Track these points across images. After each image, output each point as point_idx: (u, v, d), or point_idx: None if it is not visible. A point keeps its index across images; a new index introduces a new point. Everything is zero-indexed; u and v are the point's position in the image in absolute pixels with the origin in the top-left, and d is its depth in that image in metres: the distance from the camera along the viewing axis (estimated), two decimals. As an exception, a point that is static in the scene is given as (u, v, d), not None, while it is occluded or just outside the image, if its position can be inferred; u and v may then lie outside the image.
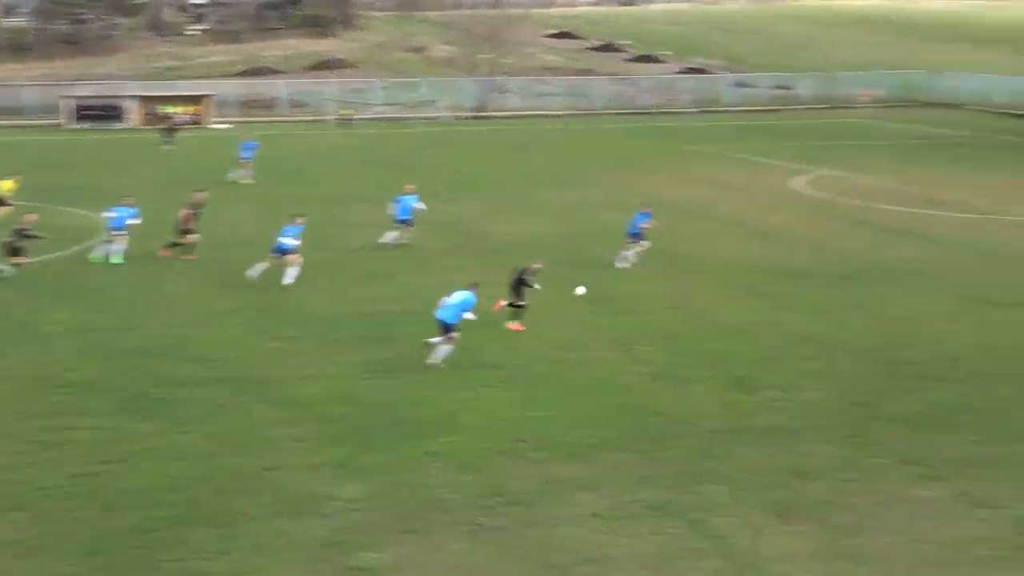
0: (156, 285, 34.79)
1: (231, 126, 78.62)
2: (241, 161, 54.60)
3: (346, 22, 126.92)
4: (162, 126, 71.41)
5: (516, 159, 64.53)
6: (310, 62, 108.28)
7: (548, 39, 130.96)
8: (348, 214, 45.90)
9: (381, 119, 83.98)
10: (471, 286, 27.72)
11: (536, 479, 20.88)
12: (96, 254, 37.76)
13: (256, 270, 34.68)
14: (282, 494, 20.06)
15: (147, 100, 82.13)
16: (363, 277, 35.80)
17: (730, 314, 32.19)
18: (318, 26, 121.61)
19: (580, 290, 31.86)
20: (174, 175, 55.74)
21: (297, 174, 55.86)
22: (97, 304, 32.64)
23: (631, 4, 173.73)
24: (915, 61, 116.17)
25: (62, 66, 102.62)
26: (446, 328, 27.01)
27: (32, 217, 36.30)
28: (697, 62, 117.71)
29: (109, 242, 37.49)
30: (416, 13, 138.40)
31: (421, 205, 40.52)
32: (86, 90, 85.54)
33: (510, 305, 30.13)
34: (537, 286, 30.36)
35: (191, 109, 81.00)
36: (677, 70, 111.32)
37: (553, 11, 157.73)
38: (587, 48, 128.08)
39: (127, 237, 37.38)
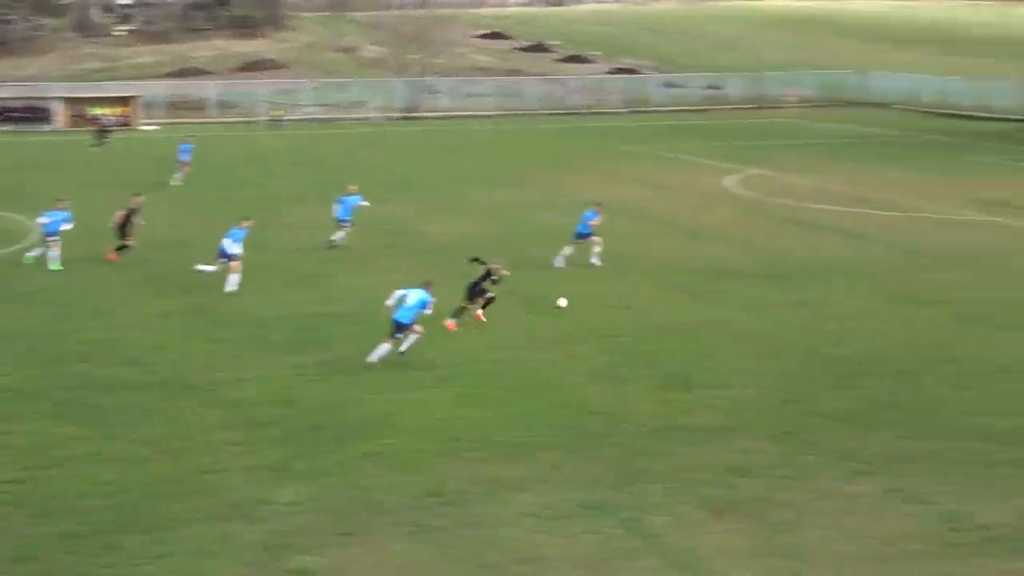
0: (90, 288, 34.49)
1: (159, 128, 77.97)
2: (179, 164, 54.27)
3: (275, 22, 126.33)
4: (93, 128, 70.71)
5: (448, 159, 64.55)
6: (239, 63, 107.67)
7: (478, 39, 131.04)
8: (281, 216, 45.71)
9: (312, 120, 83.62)
10: (425, 285, 27.81)
11: (474, 479, 20.91)
12: (30, 255, 37.29)
13: (205, 268, 34.36)
14: (219, 498, 19.95)
15: (74, 102, 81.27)
16: (299, 279, 35.67)
17: (665, 313, 32.40)
18: (247, 27, 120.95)
19: (562, 302, 32.14)
20: (104, 177, 55.24)
21: (229, 176, 55.55)
22: (29, 308, 32.30)
23: (560, 4, 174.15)
24: (842, 61, 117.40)
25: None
26: (400, 328, 27.15)
27: None
28: (626, 62, 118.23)
29: (45, 247, 37.03)
30: (345, 14, 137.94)
31: (365, 204, 40.48)
32: (10, 91, 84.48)
33: (454, 315, 30.28)
34: (495, 286, 30.71)
35: (119, 111, 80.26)
36: (607, 70, 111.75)
37: (483, 11, 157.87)
38: (517, 48, 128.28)
39: (60, 242, 36.96)
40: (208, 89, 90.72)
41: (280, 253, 38.87)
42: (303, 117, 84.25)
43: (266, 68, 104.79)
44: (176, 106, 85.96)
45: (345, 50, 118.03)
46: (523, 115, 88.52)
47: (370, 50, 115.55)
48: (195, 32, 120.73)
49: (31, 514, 19.27)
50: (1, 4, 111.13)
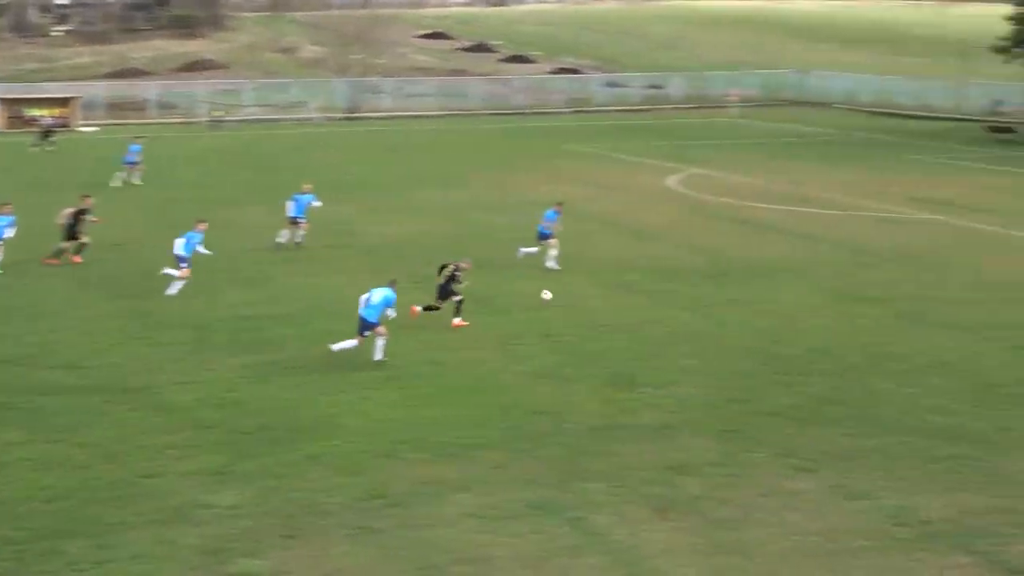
0: (30, 292, 34.05)
1: (98, 129, 77.26)
2: (127, 165, 53.82)
3: (215, 23, 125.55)
4: (37, 129, 69.94)
5: (392, 160, 64.37)
6: (179, 63, 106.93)
7: (420, 39, 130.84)
8: (224, 216, 45.30)
9: (252, 120, 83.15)
10: (390, 283, 27.78)
11: (417, 480, 20.82)
12: None
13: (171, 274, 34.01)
14: (160, 502, 19.73)
15: (11, 103, 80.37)
16: (242, 280, 35.38)
17: (608, 312, 32.43)
18: (186, 27, 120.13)
19: (546, 295, 32.23)
20: (46, 179, 54.64)
21: (170, 177, 55.04)
22: (-37, 312, 31.86)
23: (502, 4, 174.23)
24: (783, 61, 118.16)
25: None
26: (366, 326, 27.09)
27: None
28: (568, 62, 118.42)
29: None
30: (285, 14, 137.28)
31: (317, 203, 40.25)
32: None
33: (425, 309, 30.35)
34: (464, 283, 30.64)
35: (57, 112, 79.43)
36: (549, 70, 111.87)
37: (425, 11, 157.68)
38: (459, 48, 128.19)
39: (3, 247, 36.43)
40: (148, 90, 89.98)
41: (223, 254, 38.48)
42: (244, 118, 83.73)
43: (206, 68, 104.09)
44: (116, 107, 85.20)
45: (285, 50, 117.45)
46: (466, 115, 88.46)
47: (311, 50, 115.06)
48: (134, 32, 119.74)
49: (-32, 520, 19.01)
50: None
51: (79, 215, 37.59)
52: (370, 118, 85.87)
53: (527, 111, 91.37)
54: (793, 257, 40.04)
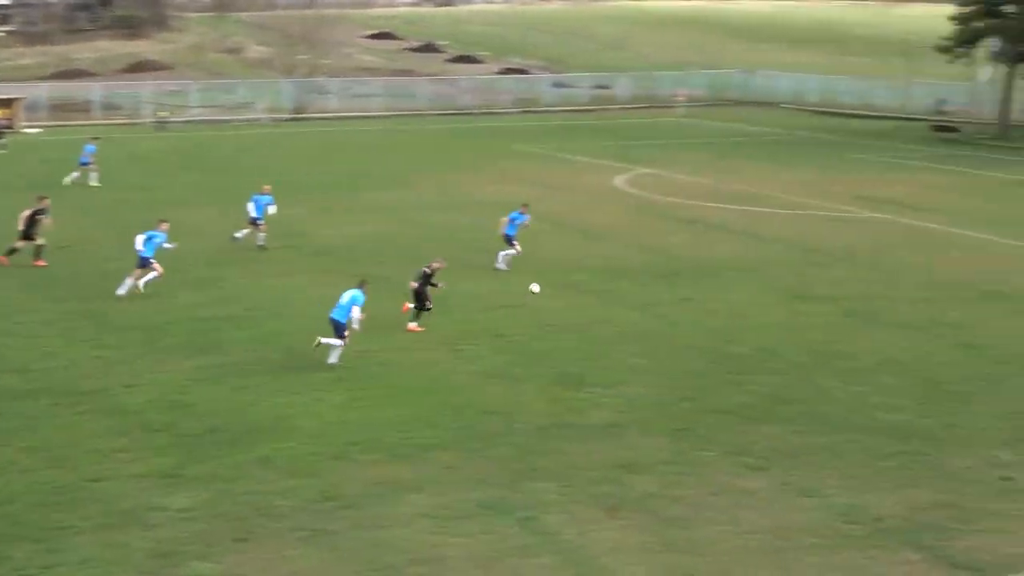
0: (-30, 295, 33.69)
1: (42, 130, 76.54)
2: (82, 166, 53.37)
3: (159, 23, 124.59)
4: None
5: (340, 160, 64.14)
6: (124, 64, 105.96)
7: (367, 40, 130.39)
8: (172, 218, 44.86)
9: (199, 121, 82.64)
10: (360, 284, 27.73)
11: (370, 481, 20.81)
12: None
13: (142, 280, 33.65)
14: (109, 506, 19.61)
15: (-48, 104, 79.33)
16: (191, 282, 35.07)
17: (557, 312, 32.48)
18: (130, 27, 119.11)
19: (535, 287, 32.36)
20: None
21: (116, 178, 54.54)
22: (-93, 315, 31.51)
23: (449, 4, 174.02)
24: (728, 60, 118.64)
25: None
26: (338, 327, 27.08)
27: None
28: (515, 62, 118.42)
29: None
30: (230, 14, 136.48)
31: (272, 209, 40.00)
32: None
33: (417, 308, 30.29)
34: (441, 284, 30.71)
35: (1, 113, 78.53)
36: (496, 70, 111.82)
37: (371, 12, 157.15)
38: (406, 49, 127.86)
39: None
40: (92, 91, 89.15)
41: (173, 256, 38.15)
42: (190, 119, 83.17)
43: (151, 69, 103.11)
44: (59, 108, 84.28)
45: (231, 51, 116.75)
46: (414, 115, 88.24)
47: (256, 51, 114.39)
48: (77, 33, 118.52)
49: (-87, 526, 18.80)
50: None
51: (35, 216, 37.29)
52: (317, 119, 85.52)
53: (475, 111, 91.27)
54: (740, 256, 40.27)
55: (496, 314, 32.05)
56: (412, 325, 30.29)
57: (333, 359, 27.20)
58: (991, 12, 77.98)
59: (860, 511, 19.94)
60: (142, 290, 33.21)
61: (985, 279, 37.36)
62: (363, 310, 27.18)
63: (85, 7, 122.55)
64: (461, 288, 33.51)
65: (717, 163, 63.44)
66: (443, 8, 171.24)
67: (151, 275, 33.32)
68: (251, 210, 39.67)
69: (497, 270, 36.94)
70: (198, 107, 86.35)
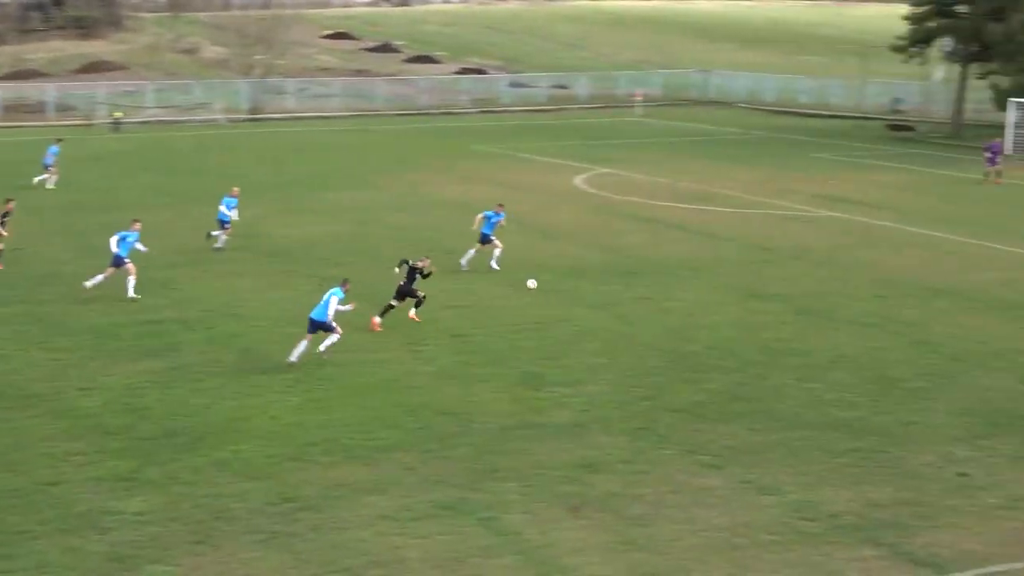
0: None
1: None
2: (46, 167, 52.94)
3: (114, 23, 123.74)
4: None
5: (297, 161, 63.87)
6: (78, 64, 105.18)
7: (324, 40, 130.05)
8: (124, 221, 44.61)
9: (154, 122, 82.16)
10: (342, 283, 27.83)
11: (326, 483, 20.74)
12: None
13: (97, 279, 33.36)
14: (63, 510, 19.46)
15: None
16: (145, 284, 34.64)
17: (516, 311, 32.48)
18: (84, 27, 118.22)
19: (531, 283, 32.52)
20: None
21: (70, 179, 54.11)
22: None
23: (406, 4, 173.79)
24: (685, 60, 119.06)
25: None
26: (316, 326, 27.16)
27: None
28: (473, 62, 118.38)
29: None
30: (186, 14, 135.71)
31: (234, 213, 39.75)
32: None
33: (382, 315, 30.35)
34: (428, 274, 30.94)
35: (-47, 114, 77.83)
36: (454, 70, 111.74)
37: (328, 12, 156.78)
38: (363, 49, 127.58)
39: None
40: (46, 91, 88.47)
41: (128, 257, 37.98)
42: (146, 119, 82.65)
43: (105, 70, 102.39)
44: (12, 109, 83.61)
45: (187, 51, 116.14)
46: (372, 116, 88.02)
47: (213, 51, 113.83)
48: (31, 33, 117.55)
49: None
50: None
51: (2, 219, 37.01)
52: (274, 119, 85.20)
53: (433, 112, 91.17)
54: (697, 255, 40.39)
55: (452, 314, 32.01)
56: (412, 313, 30.66)
57: (326, 351, 27.34)
58: (944, 12, 78.55)
59: (817, 508, 20.04)
60: (133, 295, 32.87)
61: (938, 277, 37.63)
62: (344, 306, 27.46)
63: (38, 7, 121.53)
64: (420, 288, 33.37)
65: (675, 163, 63.58)
66: (400, 8, 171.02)
67: (131, 279, 32.97)
68: (224, 211, 39.57)
69: (492, 270, 36.79)
70: (154, 108, 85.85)
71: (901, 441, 23.30)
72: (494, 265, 37.04)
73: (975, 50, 77.45)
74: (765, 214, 48.76)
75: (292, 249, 40.15)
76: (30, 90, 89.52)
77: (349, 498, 20.14)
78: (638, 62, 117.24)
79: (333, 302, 27.13)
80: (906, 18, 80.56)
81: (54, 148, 53.60)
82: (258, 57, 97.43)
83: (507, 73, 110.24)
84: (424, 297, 30.73)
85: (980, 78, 78.00)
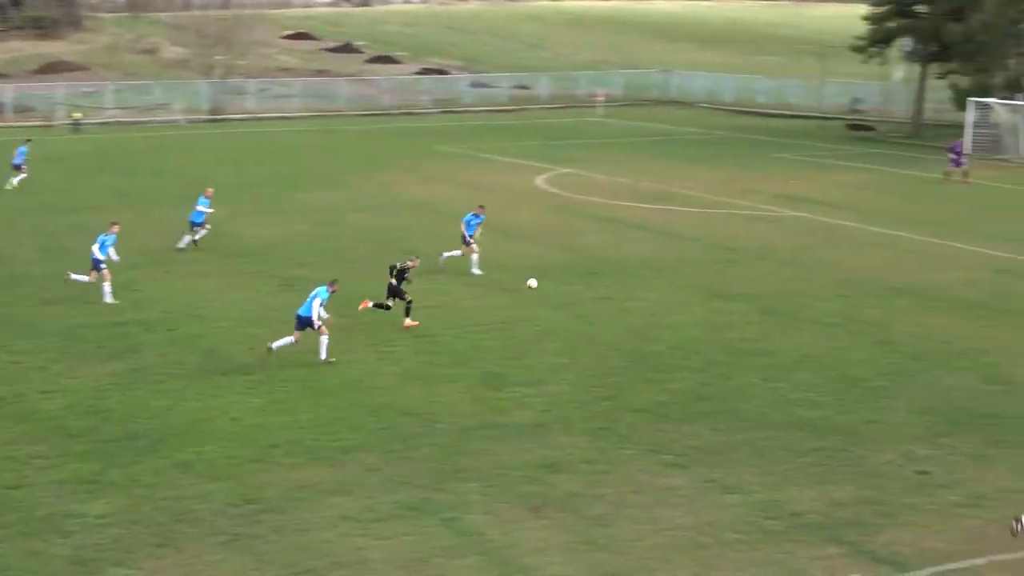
0: None
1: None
2: (15, 168, 52.58)
3: (73, 23, 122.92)
4: None
5: (258, 161, 63.63)
6: (36, 65, 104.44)
7: (284, 40, 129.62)
8: (86, 222, 44.39)
9: (114, 123, 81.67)
10: (330, 282, 27.88)
11: (290, 485, 20.68)
12: None
13: (80, 279, 33.07)
14: (25, 513, 19.34)
15: None
16: (73, 285, 34.40)
17: (478, 312, 32.49)
18: (43, 27, 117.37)
19: (532, 283, 32.49)
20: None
21: (31, 181, 53.71)
22: None
23: (367, 5, 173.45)
24: (645, 60, 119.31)
25: None
26: (303, 323, 27.22)
27: None
28: (434, 62, 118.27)
29: None
30: (145, 14, 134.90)
31: (201, 211, 39.60)
32: None
33: (375, 306, 30.44)
34: (412, 282, 30.85)
35: (-89, 115, 77.12)
36: (415, 71, 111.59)
37: (289, 12, 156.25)
38: (324, 49, 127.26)
39: None
40: (4, 92, 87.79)
41: (85, 261, 37.69)
42: (105, 120, 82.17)
43: (64, 70, 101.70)
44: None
45: (147, 51, 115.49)
46: (333, 116, 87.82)
47: (173, 51, 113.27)
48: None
49: None
50: None
51: None
52: (235, 119, 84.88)
53: (395, 112, 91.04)
54: (659, 255, 40.49)
55: (418, 314, 31.93)
56: (408, 321, 30.49)
57: (323, 355, 27.40)
58: (903, 12, 79.05)
59: (780, 507, 20.13)
60: (110, 300, 32.64)
61: (900, 276, 37.85)
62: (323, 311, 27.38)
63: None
64: (381, 289, 33.32)
65: (637, 163, 63.70)
66: (361, 8, 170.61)
67: (106, 285, 32.73)
68: (202, 211, 39.48)
69: (473, 275, 36.67)
70: (113, 108, 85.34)
71: (863, 440, 23.43)
72: (475, 271, 36.88)
73: (935, 50, 78.00)
74: (728, 214, 48.93)
75: (254, 250, 40.02)
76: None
77: (312, 499, 20.09)
78: (598, 62, 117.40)
79: (315, 304, 27.14)
80: (865, 18, 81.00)
81: (23, 148, 53.32)
82: (218, 57, 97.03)
83: (468, 73, 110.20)
84: (411, 301, 30.62)
85: (940, 78, 78.52)
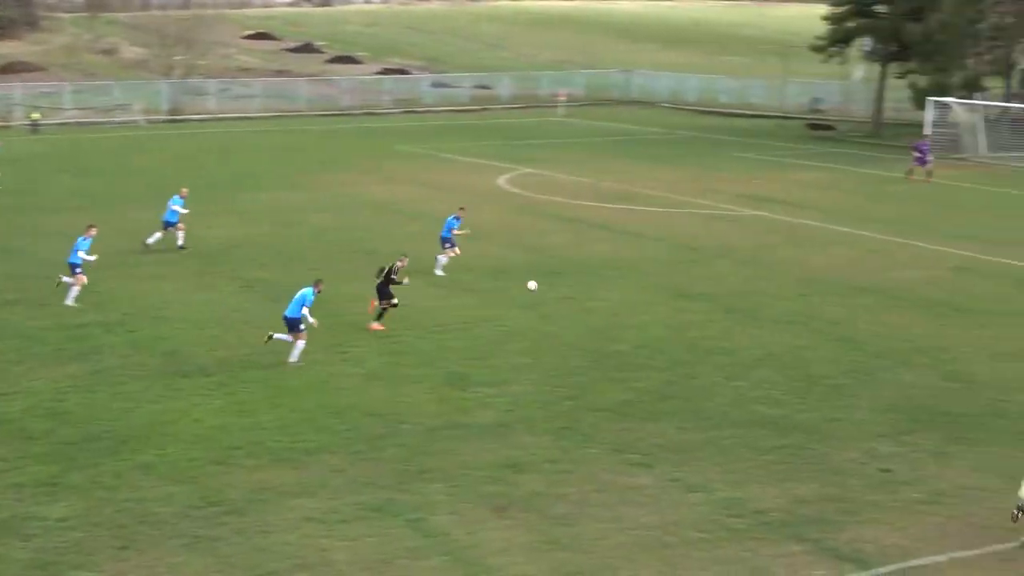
0: None
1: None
2: None
3: (30, 23, 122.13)
4: None
5: (219, 162, 63.35)
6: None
7: (245, 40, 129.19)
8: (43, 224, 44.13)
9: (72, 123, 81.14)
10: (315, 283, 27.75)
11: (251, 486, 20.57)
12: None
13: (67, 280, 32.79)
14: (-15, 517, 19.17)
15: None
16: (64, 288, 34.33)
17: (441, 312, 32.42)
18: (0, 28, 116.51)
19: (532, 285, 32.35)
20: None
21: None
22: None
23: (327, 4, 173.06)
24: (607, 60, 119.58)
25: None
26: (291, 324, 27.13)
27: None
28: (395, 62, 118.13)
29: None
30: (104, 14, 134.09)
31: (175, 211, 39.40)
32: None
33: (383, 307, 30.24)
34: (405, 280, 30.71)
35: None
36: (376, 71, 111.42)
37: (249, 12, 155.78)
38: (284, 49, 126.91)
39: None
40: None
41: (44, 262, 37.44)
42: (64, 121, 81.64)
43: (22, 71, 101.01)
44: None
45: (105, 52, 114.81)
46: (294, 116, 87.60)
47: (132, 51, 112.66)
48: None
49: None
50: None
51: None
52: (195, 120, 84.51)
53: (356, 112, 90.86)
54: (623, 255, 40.54)
55: (387, 314, 31.84)
56: (375, 324, 30.24)
57: (294, 359, 27.23)
58: (863, 12, 79.49)
59: (744, 505, 20.17)
60: (71, 303, 32.39)
61: (862, 275, 38.04)
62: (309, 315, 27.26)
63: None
64: (345, 290, 33.28)
65: (598, 162, 63.80)
66: (321, 8, 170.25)
67: (75, 288, 32.52)
68: (176, 211, 39.29)
69: (437, 275, 36.56)
70: (72, 109, 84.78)
71: (825, 438, 23.52)
72: (438, 272, 36.77)
73: (894, 50, 78.50)
74: (690, 213, 49.04)
75: (215, 251, 39.82)
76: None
77: (275, 501, 19.99)
78: (560, 62, 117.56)
79: (305, 311, 27.11)
80: (825, 18, 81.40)
81: None
82: (178, 58, 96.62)
83: (429, 73, 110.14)
84: (396, 304, 30.52)
85: (899, 77, 79.06)
